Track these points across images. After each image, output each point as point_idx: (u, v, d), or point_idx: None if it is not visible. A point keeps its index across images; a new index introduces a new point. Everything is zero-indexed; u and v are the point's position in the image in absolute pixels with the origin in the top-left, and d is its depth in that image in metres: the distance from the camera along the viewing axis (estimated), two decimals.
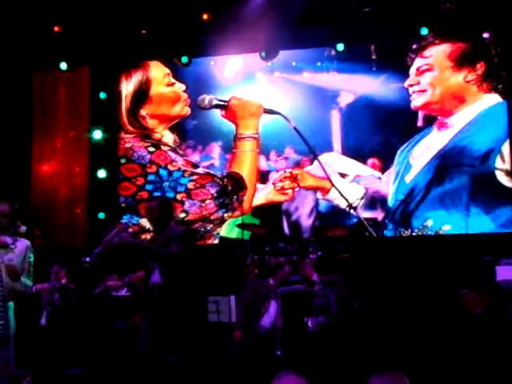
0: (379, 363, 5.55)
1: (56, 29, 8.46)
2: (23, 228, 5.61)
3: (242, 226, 7.59)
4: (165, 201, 5.58)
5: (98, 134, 8.67)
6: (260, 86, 9.05)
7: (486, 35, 8.43)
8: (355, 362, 5.68)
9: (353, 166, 8.83)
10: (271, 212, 8.60)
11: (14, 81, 9.00)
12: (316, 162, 8.62)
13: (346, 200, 7.05)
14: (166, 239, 5.19)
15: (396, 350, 5.85)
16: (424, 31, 8.28)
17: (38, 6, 8.22)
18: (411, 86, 8.73)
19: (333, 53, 8.81)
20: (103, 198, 8.65)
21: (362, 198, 6.72)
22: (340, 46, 8.44)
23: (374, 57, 8.87)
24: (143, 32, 8.52)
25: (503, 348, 5.55)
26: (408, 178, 8.69)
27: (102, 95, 8.77)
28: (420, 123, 8.76)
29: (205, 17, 8.38)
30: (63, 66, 8.85)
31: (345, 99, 9.13)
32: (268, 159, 8.88)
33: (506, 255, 6.43)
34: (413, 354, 5.83)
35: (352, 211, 6.81)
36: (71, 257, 8.05)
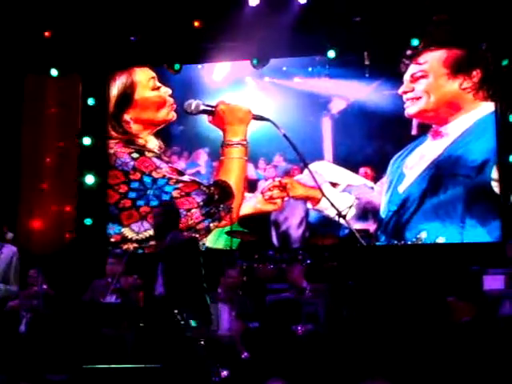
0: (367, 371, 5.61)
1: (47, 34, 8.50)
2: (10, 235, 5.74)
3: (230, 234, 7.64)
4: (169, 207, 5.65)
5: (87, 141, 8.73)
6: (249, 91, 9.09)
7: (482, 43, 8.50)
8: (343, 369, 5.74)
9: (344, 175, 8.88)
10: (259, 222, 8.64)
11: (5, 85, 9.02)
12: (306, 171, 8.67)
13: (336, 209, 7.09)
14: (166, 249, 5.22)
15: (384, 358, 5.91)
16: (415, 42, 8.33)
17: (29, 10, 8.34)
18: (405, 93, 8.81)
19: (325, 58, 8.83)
20: (91, 205, 8.71)
21: (351, 207, 6.77)
22: (331, 53, 8.47)
23: (367, 63, 8.95)
24: (132, 39, 8.55)
25: (489, 356, 5.64)
26: (401, 188, 8.75)
27: (91, 101, 8.82)
28: (414, 131, 8.84)
29: (196, 24, 8.46)
30: (54, 72, 8.89)
31: (336, 106, 9.19)
32: (256, 167, 8.92)
33: (494, 265, 6.49)
34: (401, 362, 5.89)
35: (341, 220, 6.84)
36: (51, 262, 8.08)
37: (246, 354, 6.23)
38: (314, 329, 6.24)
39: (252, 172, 8.81)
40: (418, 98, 8.80)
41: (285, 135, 7.08)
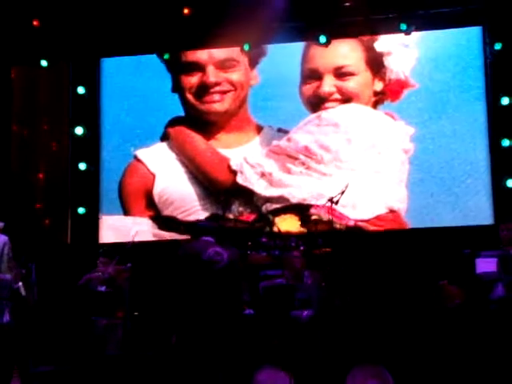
0: (360, 357, 5.86)
1: (35, 23, 8.78)
2: (1, 224, 5.88)
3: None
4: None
5: (79, 130, 9.13)
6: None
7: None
8: (337, 356, 5.97)
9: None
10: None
11: None
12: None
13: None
14: None
15: (377, 343, 6.14)
16: (403, 27, 8.58)
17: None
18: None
19: None
20: (84, 193, 9.15)
21: (343, 193, 6.91)
22: (322, 39, 8.73)
23: None
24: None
25: (482, 338, 5.89)
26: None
27: (81, 90, 9.15)
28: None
29: (186, 11, 8.79)
30: (43, 63, 9.19)
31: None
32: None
33: (487, 248, 6.72)
34: (394, 347, 6.13)
35: (334, 206, 7.06)
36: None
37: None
38: (314, 314, 6.42)
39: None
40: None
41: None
